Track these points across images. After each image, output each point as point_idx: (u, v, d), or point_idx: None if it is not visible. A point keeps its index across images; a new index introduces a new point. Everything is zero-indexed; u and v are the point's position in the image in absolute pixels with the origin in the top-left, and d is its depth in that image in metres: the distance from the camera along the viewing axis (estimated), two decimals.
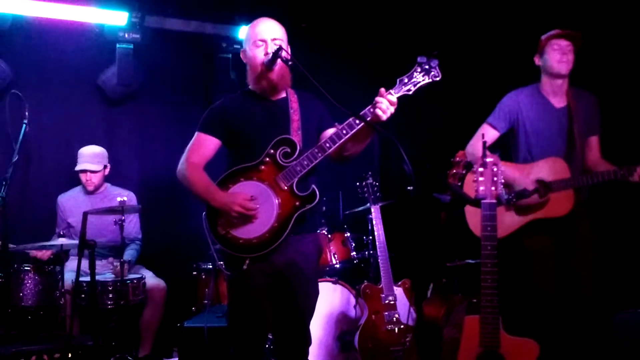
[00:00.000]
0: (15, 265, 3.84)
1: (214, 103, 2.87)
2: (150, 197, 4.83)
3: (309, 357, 2.84)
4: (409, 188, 2.31)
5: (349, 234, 4.47)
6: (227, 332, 2.88)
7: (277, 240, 2.61)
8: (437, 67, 2.59)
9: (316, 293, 2.83)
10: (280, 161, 2.65)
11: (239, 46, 4.52)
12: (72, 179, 4.57)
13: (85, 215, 3.46)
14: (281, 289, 2.72)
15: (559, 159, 3.36)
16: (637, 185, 3.21)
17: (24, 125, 3.93)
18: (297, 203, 2.63)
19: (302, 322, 2.78)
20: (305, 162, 2.62)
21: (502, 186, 2.84)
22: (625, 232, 3.96)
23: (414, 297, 3.94)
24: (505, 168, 3.33)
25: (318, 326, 3.90)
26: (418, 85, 2.59)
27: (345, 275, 4.33)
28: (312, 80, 2.42)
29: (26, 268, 3.81)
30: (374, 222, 4.11)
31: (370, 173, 4.25)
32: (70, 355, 3.55)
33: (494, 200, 2.81)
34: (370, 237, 4.33)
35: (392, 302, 3.93)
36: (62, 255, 4.16)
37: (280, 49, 2.63)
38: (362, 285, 4.00)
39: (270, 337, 3.25)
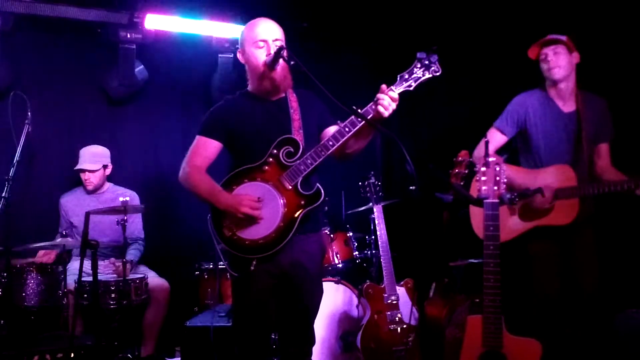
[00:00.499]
0: (18, 265, 3.85)
1: (214, 106, 2.86)
2: (153, 197, 4.82)
3: (312, 357, 2.84)
4: (411, 188, 2.30)
5: (351, 234, 4.48)
6: (231, 331, 2.88)
7: (283, 239, 2.60)
8: (436, 62, 2.59)
9: (320, 292, 2.84)
10: (283, 161, 2.65)
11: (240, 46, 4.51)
12: (75, 179, 4.56)
13: (87, 215, 3.45)
14: (286, 288, 2.72)
15: (567, 167, 3.31)
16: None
17: (27, 126, 3.93)
18: (302, 202, 2.63)
19: (306, 321, 2.78)
20: (309, 161, 2.62)
21: (504, 186, 2.82)
22: (627, 232, 3.94)
23: (416, 296, 3.94)
24: (512, 172, 3.32)
25: (321, 326, 3.90)
26: (419, 81, 2.59)
27: (348, 275, 4.33)
28: (314, 79, 2.42)
29: (29, 268, 3.82)
30: (376, 222, 4.12)
31: (372, 173, 4.26)
32: (72, 355, 3.55)
33: (497, 200, 2.80)
34: (373, 237, 4.33)
35: (394, 302, 3.94)
36: (64, 255, 4.17)
37: (282, 48, 2.62)
38: (365, 285, 4.01)
39: (274, 336, 3.26)
